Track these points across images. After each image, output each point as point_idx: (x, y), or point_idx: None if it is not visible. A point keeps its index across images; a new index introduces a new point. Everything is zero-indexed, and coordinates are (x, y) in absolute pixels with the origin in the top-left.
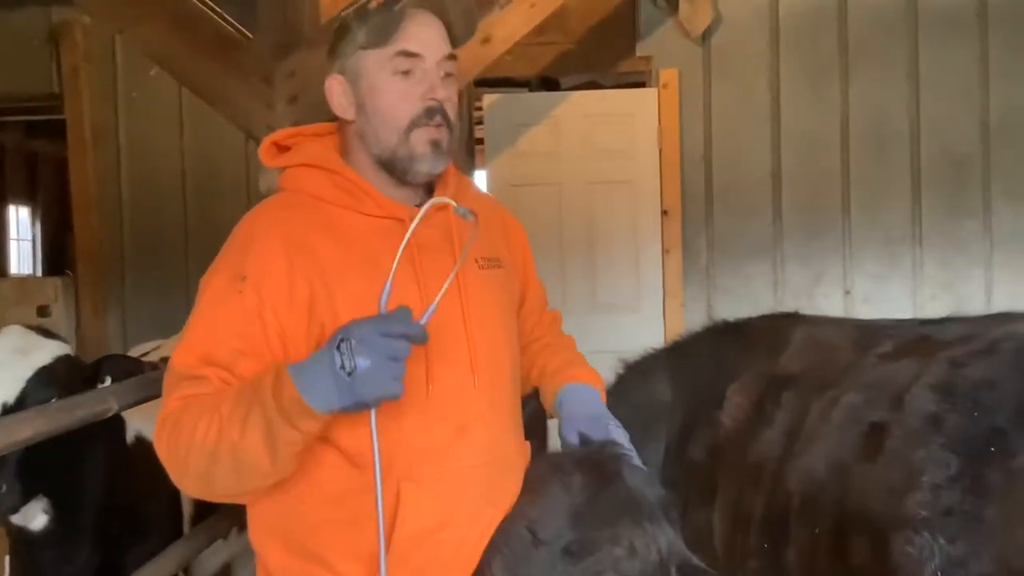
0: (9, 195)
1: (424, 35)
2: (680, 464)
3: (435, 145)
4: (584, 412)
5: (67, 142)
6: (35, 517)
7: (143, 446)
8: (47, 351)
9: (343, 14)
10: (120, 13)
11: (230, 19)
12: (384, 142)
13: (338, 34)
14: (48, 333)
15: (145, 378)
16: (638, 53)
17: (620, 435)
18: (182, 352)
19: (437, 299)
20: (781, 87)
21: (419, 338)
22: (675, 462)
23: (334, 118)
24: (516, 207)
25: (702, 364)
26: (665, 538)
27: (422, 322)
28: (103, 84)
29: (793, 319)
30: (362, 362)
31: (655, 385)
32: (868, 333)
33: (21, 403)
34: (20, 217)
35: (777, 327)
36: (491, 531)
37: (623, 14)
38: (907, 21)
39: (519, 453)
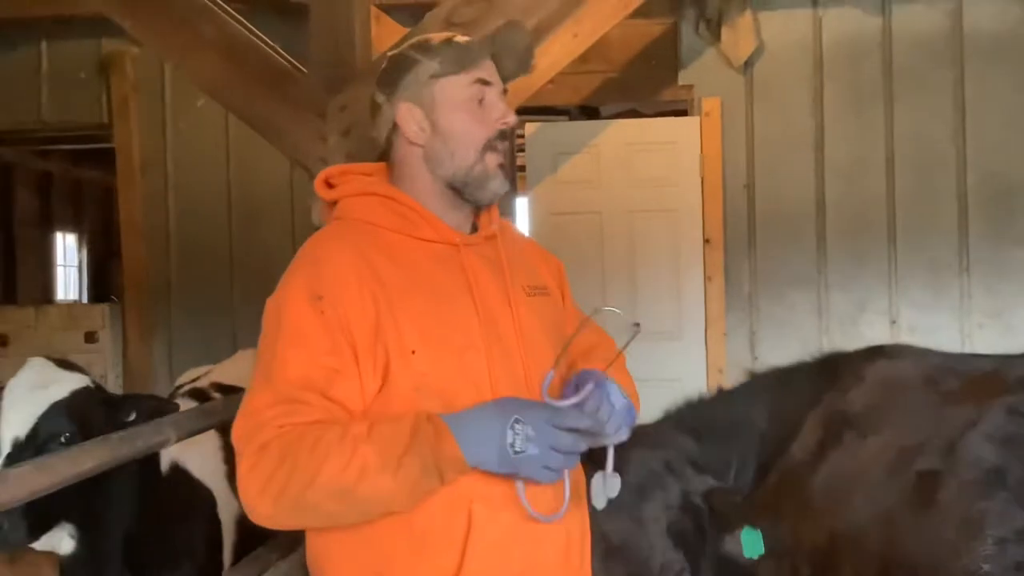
0: (56, 222)
1: (490, 67)
2: (761, 485)
3: (502, 167)
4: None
5: (114, 170)
6: (61, 542)
7: (178, 475)
8: (64, 385)
9: (400, 50)
10: (174, 45)
11: (283, 52)
12: (460, 162)
13: (402, 66)
14: (70, 365)
15: (201, 410)
16: (680, 82)
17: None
18: (274, 376)
19: (550, 376)
20: (824, 114)
21: (591, 428)
22: (760, 483)
23: (384, 151)
24: (557, 235)
25: (794, 391)
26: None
27: (571, 402)
28: (152, 114)
29: (879, 353)
30: (532, 449)
31: (751, 408)
32: (943, 369)
33: (33, 437)
34: (67, 243)
35: (860, 361)
36: (556, 548)
37: (665, 43)
38: (952, 46)
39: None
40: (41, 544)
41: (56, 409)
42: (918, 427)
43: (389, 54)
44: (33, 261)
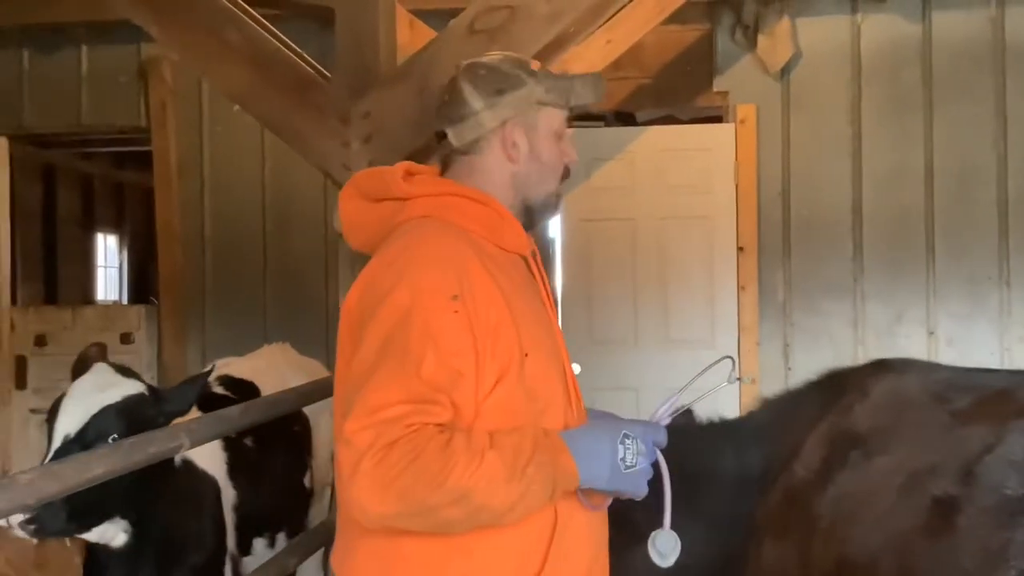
0: (97, 223)
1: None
2: (763, 502)
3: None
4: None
5: (153, 173)
6: (116, 536)
7: (187, 467)
8: (119, 390)
9: (498, 63)
10: (203, 55)
11: (308, 59)
12: (546, 188)
13: (511, 81)
14: (129, 372)
15: (216, 416)
16: (715, 88)
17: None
18: (409, 374)
19: (676, 399)
20: (863, 122)
21: (664, 444)
22: (761, 501)
23: (406, 157)
24: (590, 242)
25: (797, 408)
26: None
27: (663, 420)
28: (189, 118)
29: (884, 367)
30: (643, 462)
31: (763, 427)
32: (951, 386)
33: (82, 436)
34: (108, 245)
35: (864, 376)
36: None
37: (700, 49)
38: (993, 54)
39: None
40: (95, 536)
41: (107, 411)
42: (929, 448)
43: (482, 61)
44: (74, 262)
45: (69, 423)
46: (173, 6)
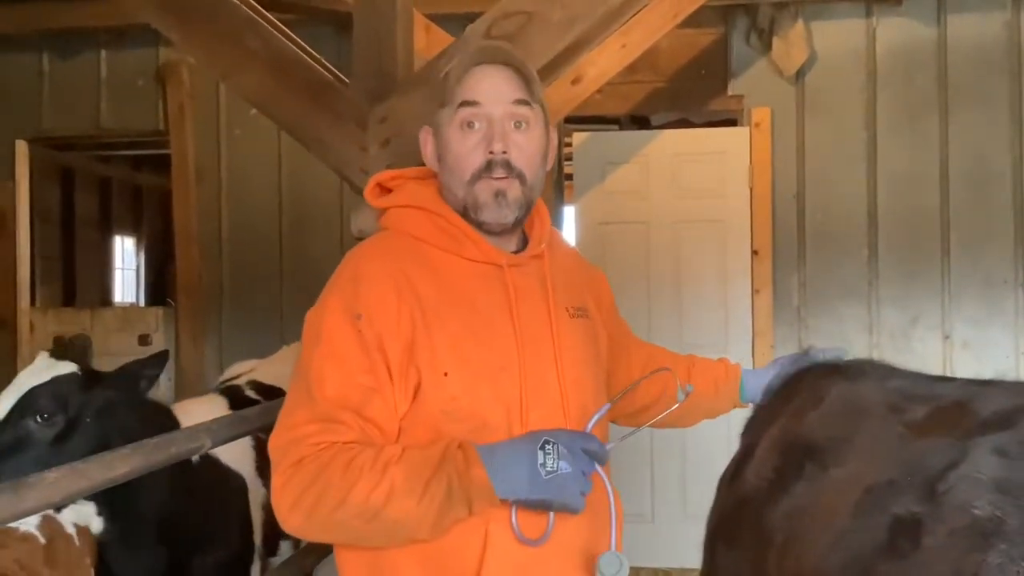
0: (116, 226)
1: (485, 85)
2: (716, 503)
3: (499, 195)
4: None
5: (170, 176)
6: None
7: (208, 463)
8: (51, 372)
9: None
10: (221, 59)
11: (327, 64)
12: (455, 193)
13: (434, 93)
14: (79, 356)
15: (238, 416)
16: (730, 92)
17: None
18: (313, 392)
19: (604, 410)
20: (877, 125)
21: (603, 459)
22: (715, 503)
23: (423, 162)
24: (604, 245)
25: (760, 408)
26: None
27: (589, 428)
28: (207, 122)
29: (836, 372)
30: (565, 466)
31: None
32: (904, 395)
33: (8, 418)
34: (126, 247)
35: (817, 379)
36: (579, 570)
37: (715, 52)
38: (1009, 57)
39: (604, 500)
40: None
41: (33, 393)
42: (885, 462)
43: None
44: (93, 264)
45: (2, 408)
46: (194, 12)
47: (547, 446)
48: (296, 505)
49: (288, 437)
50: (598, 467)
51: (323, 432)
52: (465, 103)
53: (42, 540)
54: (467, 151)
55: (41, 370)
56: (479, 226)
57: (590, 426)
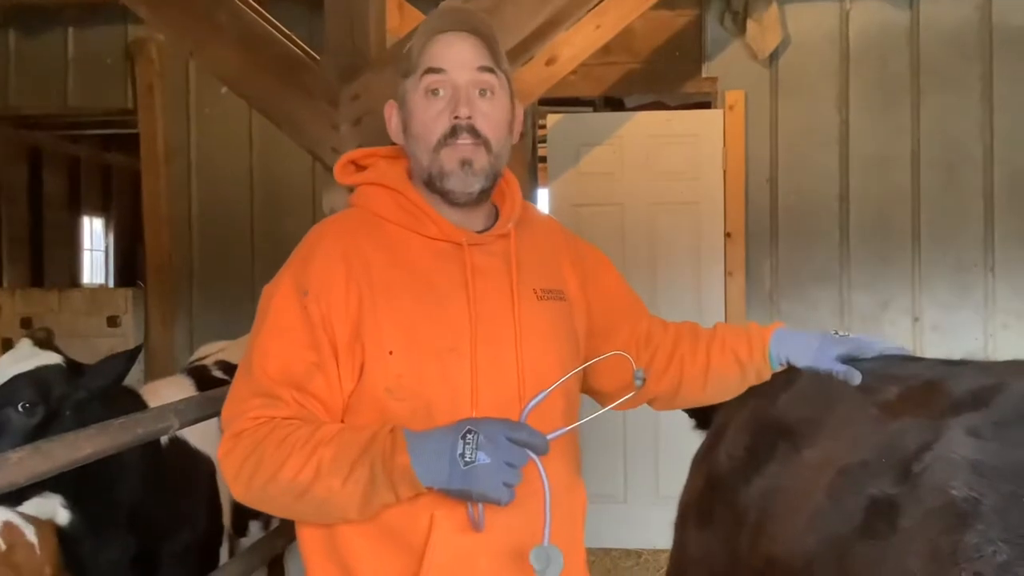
0: (84, 206)
1: (450, 52)
2: (688, 483)
3: (465, 163)
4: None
5: (140, 155)
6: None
7: (177, 446)
8: (35, 361)
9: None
10: (191, 35)
11: (298, 41)
12: (421, 162)
13: (399, 65)
14: (50, 346)
15: (205, 396)
16: (704, 74)
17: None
18: (254, 366)
19: (541, 396)
20: (850, 109)
21: (540, 449)
22: (688, 482)
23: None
24: (578, 227)
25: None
26: None
27: (523, 417)
28: (176, 100)
29: None
30: (483, 457)
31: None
32: (876, 375)
33: None
34: (94, 227)
35: None
36: (527, 561)
37: (689, 35)
38: (981, 41)
39: (568, 487)
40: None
41: (16, 380)
42: (858, 443)
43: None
44: (61, 245)
45: None
46: None
47: (468, 436)
48: (236, 477)
49: (232, 410)
50: (534, 456)
51: (263, 407)
52: (430, 70)
53: (2, 546)
54: (432, 117)
55: (25, 357)
56: (445, 195)
57: (524, 414)
